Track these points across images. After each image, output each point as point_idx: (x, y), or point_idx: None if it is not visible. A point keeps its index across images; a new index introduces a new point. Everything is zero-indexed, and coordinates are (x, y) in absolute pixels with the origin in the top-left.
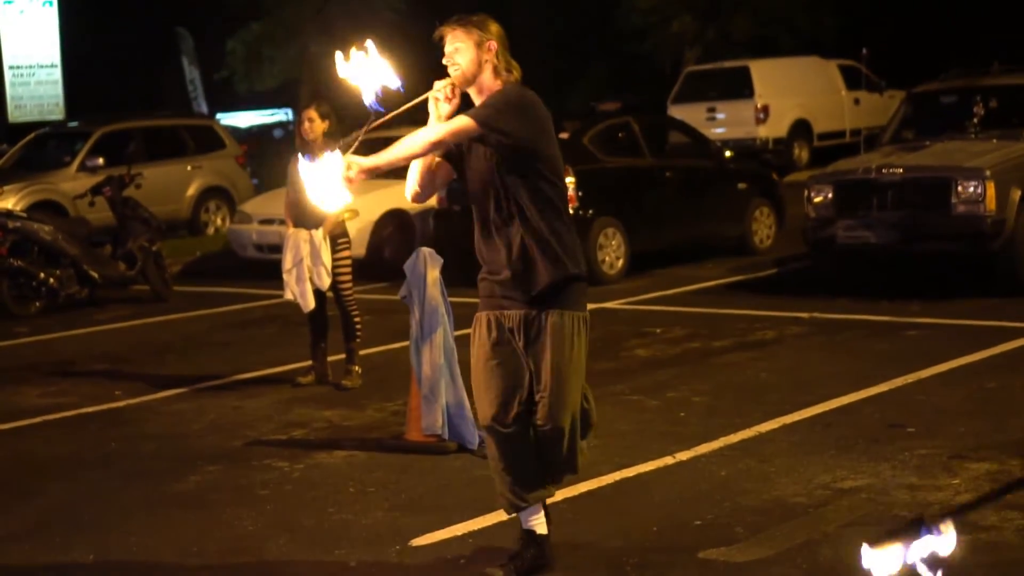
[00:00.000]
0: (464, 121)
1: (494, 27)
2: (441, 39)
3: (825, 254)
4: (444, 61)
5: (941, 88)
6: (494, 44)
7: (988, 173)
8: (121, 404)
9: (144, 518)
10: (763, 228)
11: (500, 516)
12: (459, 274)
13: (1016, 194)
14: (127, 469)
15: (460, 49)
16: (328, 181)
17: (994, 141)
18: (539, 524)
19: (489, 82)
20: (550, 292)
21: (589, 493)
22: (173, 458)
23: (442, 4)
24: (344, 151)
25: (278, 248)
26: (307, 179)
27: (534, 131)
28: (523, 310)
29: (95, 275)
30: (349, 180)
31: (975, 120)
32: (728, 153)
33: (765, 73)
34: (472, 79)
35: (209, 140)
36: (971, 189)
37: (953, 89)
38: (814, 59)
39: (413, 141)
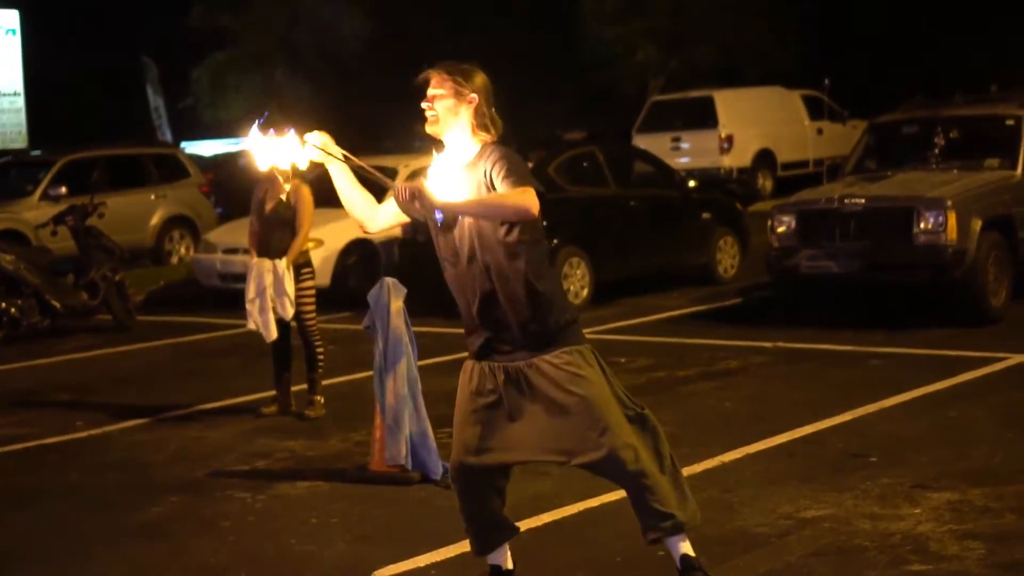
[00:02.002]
0: (533, 197)
1: (480, 80)
2: (426, 82)
3: (789, 283)
4: (423, 104)
5: (903, 119)
6: (476, 99)
7: (949, 203)
8: (82, 435)
9: (105, 549)
10: (727, 257)
11: (464, 547)
12: (423, 304)
13: (977, 224)
14: (88, 500)
15: (440, 97)
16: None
17: (955, 171)
18: (505, 559)
19: (465, 137)
20: (533, 343)
21: (553, 523)
22: (135, 489)
23: (407, 32)
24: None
25: (242, 277)
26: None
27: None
28: (514, 363)
29: (57, 305)
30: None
31: (936, 151)
32: (692, 183)
33: (729, 103)
34: (447, 128)
35: (173, 169)
36: (933, 219)
37: (914, 120)
38: (777, 89)
39: (503, 202)
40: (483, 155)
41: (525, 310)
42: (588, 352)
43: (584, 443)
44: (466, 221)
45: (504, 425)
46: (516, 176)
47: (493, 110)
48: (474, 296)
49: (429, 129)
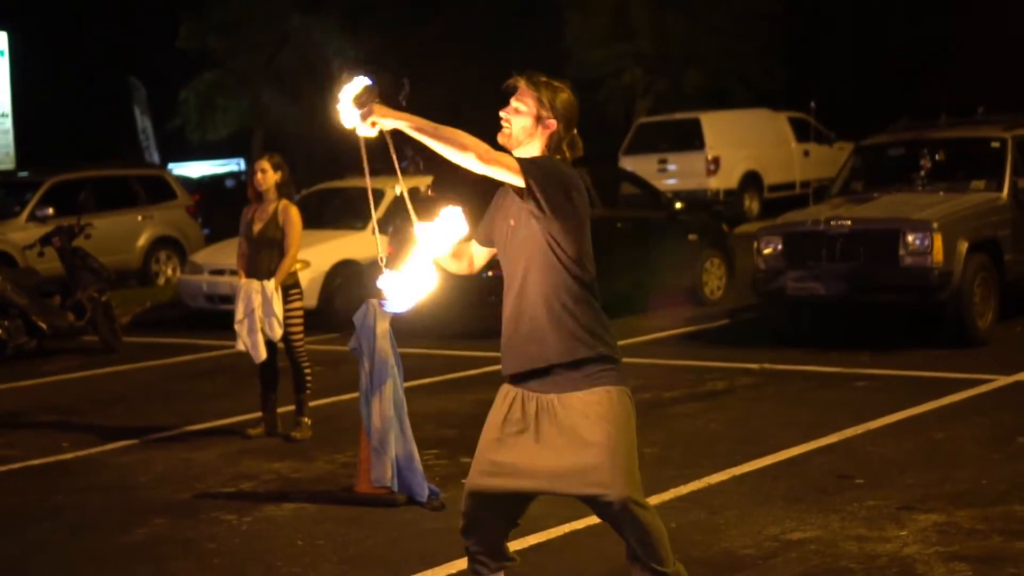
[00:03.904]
0: (512, 161)
1: (563, 102)
2: (512, 88)
3: (775, 305)
4: (501, 112)
5: (889, 141)
6: (554, 124)
7: (935, 225)
8: (68, 456)
9: (91, 572)
10: (714, 279)
11: (450, 569)
12: (409, 326)
13: (963, 246)
14: (74, 522)
15: (520, 112)
16: (351, 107)
17: (941, 194)
18: None
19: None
20: (565, 376)
21: (539, 545)
22: (120, 511)
23: (393, 54)
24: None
25: (229, 299)
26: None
27: (570, 207)
28: (546, 394)
29: (43, 326)
30: (368, 116)
31: (922, 173)
32: (679, 204)
33: (716, 125)
34: (517, 144)
35: (160, 190)
36: (918, 241)
37: (901, 142)
38: (764, 111)
39: (456, 139)
40: None
41: (559, 340)
42: (622, 395)
43: (595, 486)
44: (518, 244)
45: (524, 452)
46: (525, 161)
47: (575, 131)
48: (514, 319)
49: (500, 140)
